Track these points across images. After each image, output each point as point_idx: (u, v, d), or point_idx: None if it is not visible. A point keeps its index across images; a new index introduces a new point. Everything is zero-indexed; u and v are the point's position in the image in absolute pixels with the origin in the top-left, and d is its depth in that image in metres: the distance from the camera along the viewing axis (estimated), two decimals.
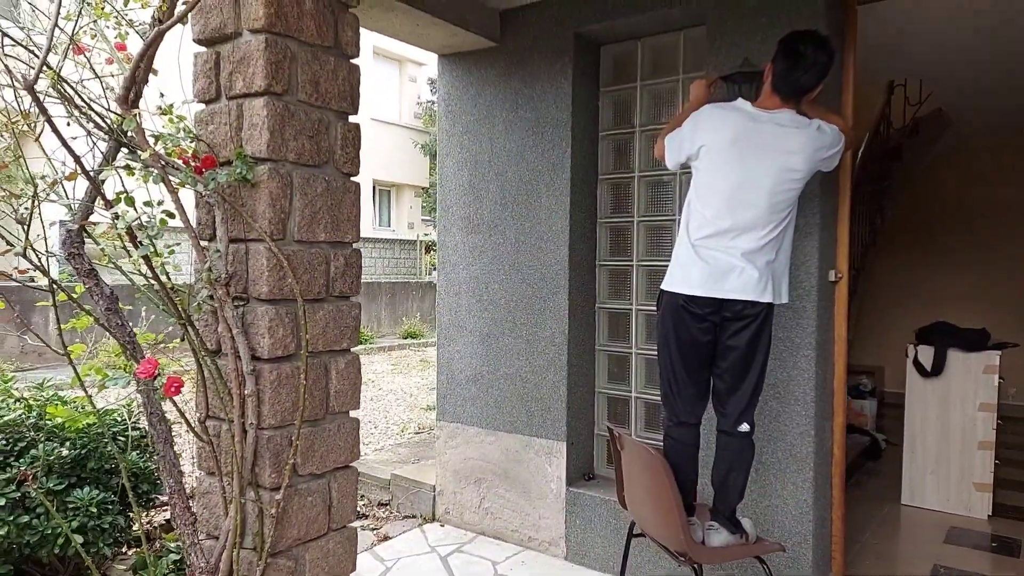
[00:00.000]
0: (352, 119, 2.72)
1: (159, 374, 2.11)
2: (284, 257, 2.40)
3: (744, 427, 2.31)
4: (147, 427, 2.46)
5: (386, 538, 3.50)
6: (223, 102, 2.46)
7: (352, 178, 2.73)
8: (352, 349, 2.76)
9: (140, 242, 2.24)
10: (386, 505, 3.97)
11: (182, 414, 2.40)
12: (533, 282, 3.44)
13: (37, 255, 2.18)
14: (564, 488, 3.29)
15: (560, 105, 3.36)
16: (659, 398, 3.29)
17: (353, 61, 2.69)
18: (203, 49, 2.50)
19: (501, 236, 3.57)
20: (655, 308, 2.51)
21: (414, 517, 3.78)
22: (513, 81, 3.54)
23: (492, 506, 3.54)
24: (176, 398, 2.19)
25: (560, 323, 3.33)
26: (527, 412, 3.43)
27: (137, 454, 2.94)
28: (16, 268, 2.26)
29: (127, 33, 2.85)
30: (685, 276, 2.34)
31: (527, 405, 3.44)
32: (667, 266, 2.50)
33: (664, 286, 2.42)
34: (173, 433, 2.46)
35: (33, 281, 2.63)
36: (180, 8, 2.25)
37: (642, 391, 3.35)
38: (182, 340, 2.39)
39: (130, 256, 2.35)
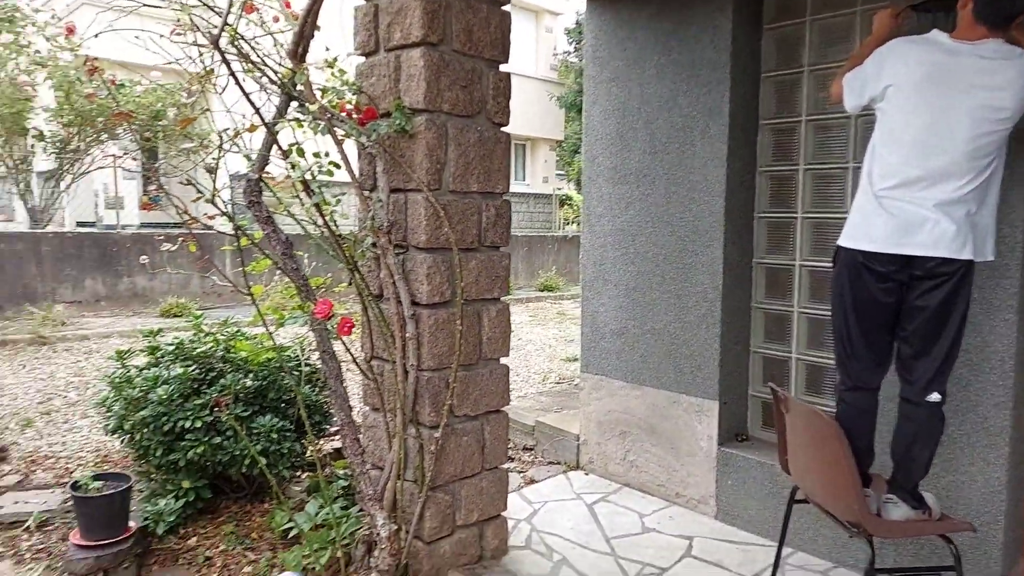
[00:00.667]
0: (502, 68, 2.72)
1: (333, 315, 2.26)
2: (440, 207, 2.47)
3: (934, 396, 2.08)
4: (319, 364, 2.65)
5: (532, 481, 3.60)
6: (381, 54, 2.53)
7: (502, 128, 2.74)
8: (502, 298, 2.81)
9: (312, 191, 2.38)
10: (531, 450, 4.07)
11: (350, 353, 2.56)
12: (684, 235, 3.30)
13: (223, 202, 2.37)
14: (715, 447, 3.19)
15: (718, 45, 3.14)
16: (823, 361, 3.08)
17: (503, 8, 2.66)
18: (363, 2, 2.57)
19: (650, 187, 3.44)
20: (830, 264, 2.31)
21: (558, 464, 3.84)
22: (665, 22, 3.35)
23: (637, 459, 3.52)
24: (344, 338, 2.33)
25: (713, 278, 3.18)
26: (675, 368, 3.35)
27: (309, 388, 3.20)
28: (206, 214, 2.48)
29: None
30: (867, 230, 2.12)
31: (675, 361, 3.35)
32: (836, 219, 2.28)
33: (841, 241, 2.21)
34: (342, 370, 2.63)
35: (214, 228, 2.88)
36: None
37: (804, 352, 3.15)
38: (349, 284, 2.54)
39: (302, 204, 2.51)
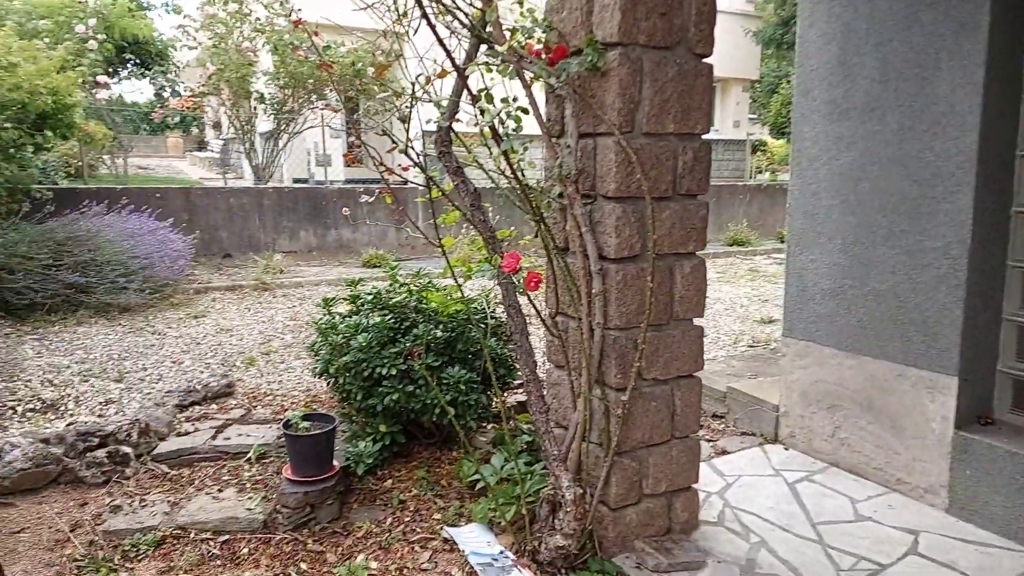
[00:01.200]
0: None
1: (519, 269, 2.16)
2: (632, 151, 2.26)
3: None
4: (504, 317, 2.60)
5: (724, 452, 3.34)
6: None
7: (704, 59, 2.43)
8: (697, 253, 2.56)
9: (500, 139, 2.28)
10: (721, 418, 3.79)
11: (535, 307, 2.47)
12: (922, 178, 2.78)
13: (416, 153, 2.35)
14: (950, 430, 2.72)
15: None
16: None
17: None
18: None
19: (879, 122, 2.94)
20: None
21: (752, 435, 3.54)
22: None
23: (849, 437, 3.12)
24: (530, 292, 2.24)
25: (957, 230, 2.66)
26: (902, 336, 2.88)
27: (495, 341, 3.19)
28: (400, 165, 2.47)
29: None
30: None
31: (902, 328, 2.88)
32: None
33: None
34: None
35: (408, 181, 2.90)
36: None
37: None
38: (535, 236, 2.43)
39: (491, 154, 2.42)
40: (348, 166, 15.33)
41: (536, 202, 2.39)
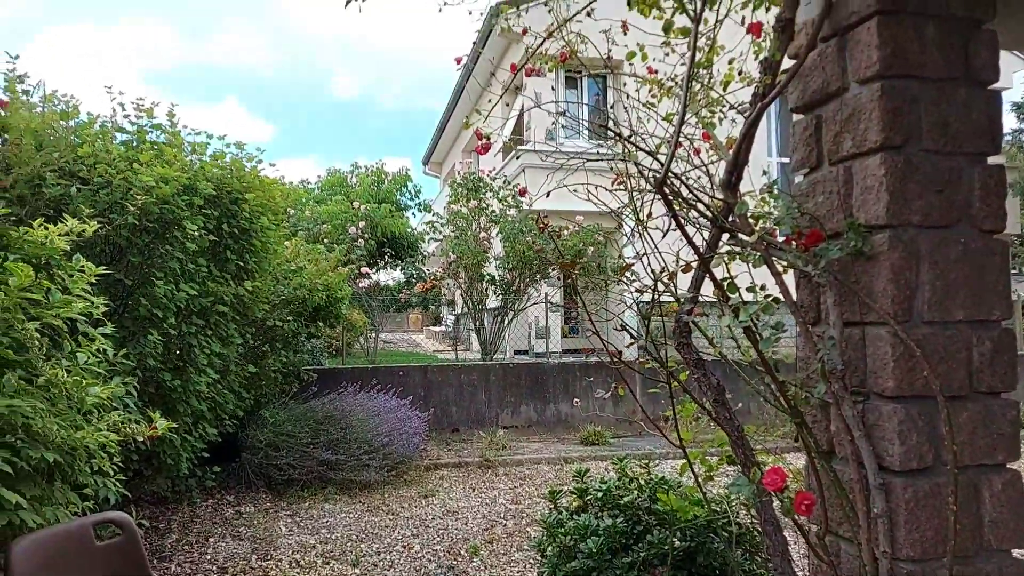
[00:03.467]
0: (991, 160, 2.12)
1: (786, 486, 1.87)
2: (913, 343, 1.93)
3: None
4: (752, 524, 2.25)
5: None
6: (825, 169, 2.19)
7: (995, 235, 2.09)
8: (1009, 464, 2.05)
9: (754, 330, 2.09)
10: None
11: (800, 528, 2.10)
12: None
13: (655, 346, 2.24)
14: None
15: None
16: None
17: (990, 88, 2.10)
18: (801, 117, 2.30)
19: None
20: None
21: None
22: None
23: None
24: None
25: None
26: None
27: (740, 553, 2.78)
28: (618, 328, 2.37)
29: (714, 124, 2.91)
30: None
31: None
32: None
33: None
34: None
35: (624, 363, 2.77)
36: (782, 78, 2.11)
37: None
38: (796, 440, 2.12)
39: (731, 334, 2.23)
40: (565, 337, 15.81)
41: (795, 399, 2.12)
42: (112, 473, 3.05)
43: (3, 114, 3.79)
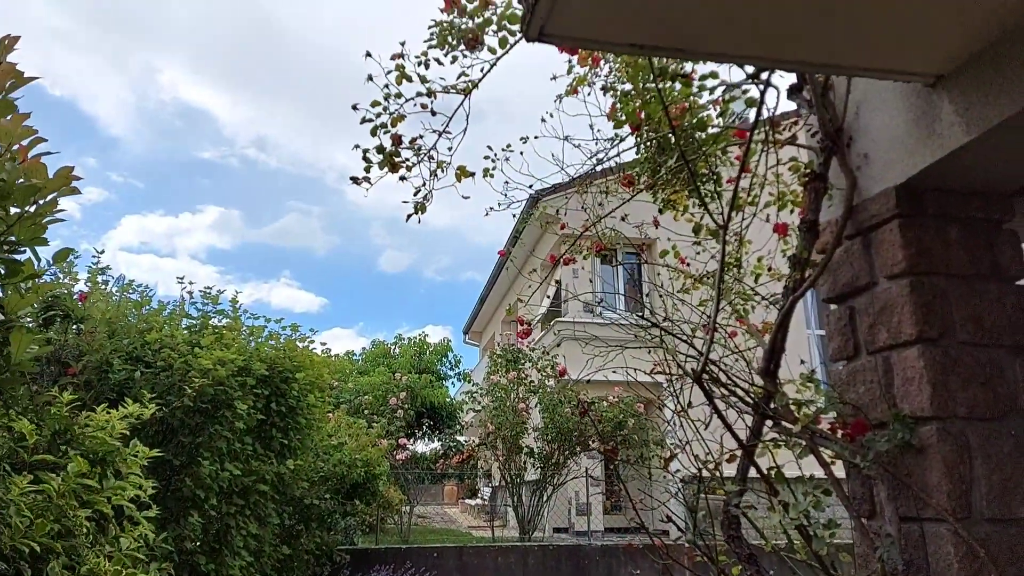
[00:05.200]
0: None
1: None
2: (976, 543, 1.84)
3: None
4: None
5: None
6: (863, 358, 2.22)
7: None
8: None
9: (807, 532, 2.03)
10: None
11: None
12: None
13: (704, 540, 2.17)
14: None
15: None
16: None
17: (1021, 283, 2.17)
18: (834, 306, 2.38)
19: None
20: None
21: None
22: None
23: None
24: None
25: None
26: None
27: None
28: (662, 521, 2.29)
29: (747, 310, 3.01)
30: None
31: None
32: None
33: None
34: None
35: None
36: (811, 271, 2.22)
37: None
38: None
39: (790, 539, 2.16)
40: (607, 513, 15.02)
41: None
42: None
43: (82, 306, 4.13)
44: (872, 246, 2.21)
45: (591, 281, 12.50)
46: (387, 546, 9.78)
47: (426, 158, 2.48)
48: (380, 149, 2.38)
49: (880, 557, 1.93)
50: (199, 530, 4.26)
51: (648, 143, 2.67)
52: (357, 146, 2.35)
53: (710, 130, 2.48)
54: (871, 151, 2.24)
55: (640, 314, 2.66)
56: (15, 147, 2.10)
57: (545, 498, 12.60)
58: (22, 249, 2.12)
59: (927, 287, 2.04)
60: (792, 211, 2.58)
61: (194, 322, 4.96)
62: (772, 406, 2.25)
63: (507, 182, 2.91)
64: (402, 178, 2.47)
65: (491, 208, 2.87)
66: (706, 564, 2.40)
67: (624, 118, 2.46)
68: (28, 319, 2.26)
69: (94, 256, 4.71)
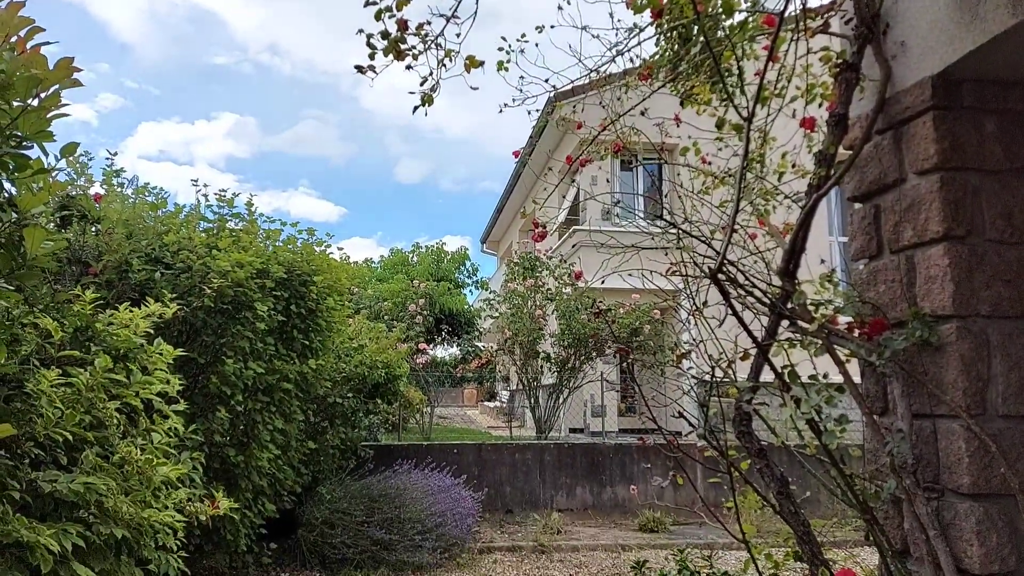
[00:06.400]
0: None
1: None
2: (988, 438, 1.85)
3: None
4: None
5: None
6: (886, 257, 2.17)
7: None
8: None
9: (817, 425, 2.05)
10: None
11: None
12: None
13: (714, 435, 2.21)
14: None
15: None
16: None
17: None
18: (858, 205, 2.31)
19: None
20: None
21: None
22: None
23: None
24: None
25: None
26: None
27: None
28: (677, 414, 2.34)
29: (768, 211, 2.93)
30: None
31: None
32: None
33: None
34: None
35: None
36: (837, 168, 2.14)
37: None
38: (867, 536, 2.03)
39: (801, 435, 2.19)
40: (621, 415, 15.47)
41: (863, 494, 2.04)
42: (175, 549, 3.12)
43: (98, 207, 4.14)
44: (903, 140, 2.11)
45: (608, 181, 12.29)
46: (409, 443, 10.19)
47: (433, 46, 2.36)
48: (384, 35, 2.26)
49: (890, 451, 1.95)
50: (227, 424, 4.44)
51: (669, 33, 2.52)
52: (361, 31, 2.23)
53: (736, 16, 2.33)
54: (908, 38, 2.10)
55: (658, 214, 2.60)
56: (12, 38, 2.03)
57: (561, 400, 12.95)
58: (29, 145, 2.09)
59: (958, 183, 1.96)
60: (820, 105, 2.46)
61: (211, 225, 4.98)
62: (789, 306, 2.22)
63: (522, 77, 2.79)
64: (408, 67, 2.37)
65: (505, 104, 2.77)
66: (716, 460, 2.46)
67: (645, 2, 2.31)
68: (43, 218, 2.27)
69: (107, 158, 4.69)
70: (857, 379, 2.20)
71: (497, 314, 13.22)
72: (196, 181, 5.10)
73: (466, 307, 18.95)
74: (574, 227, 14.16)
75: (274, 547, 6.14)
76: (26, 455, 2.47)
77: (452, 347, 21.08)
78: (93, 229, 4.12)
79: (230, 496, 4.03)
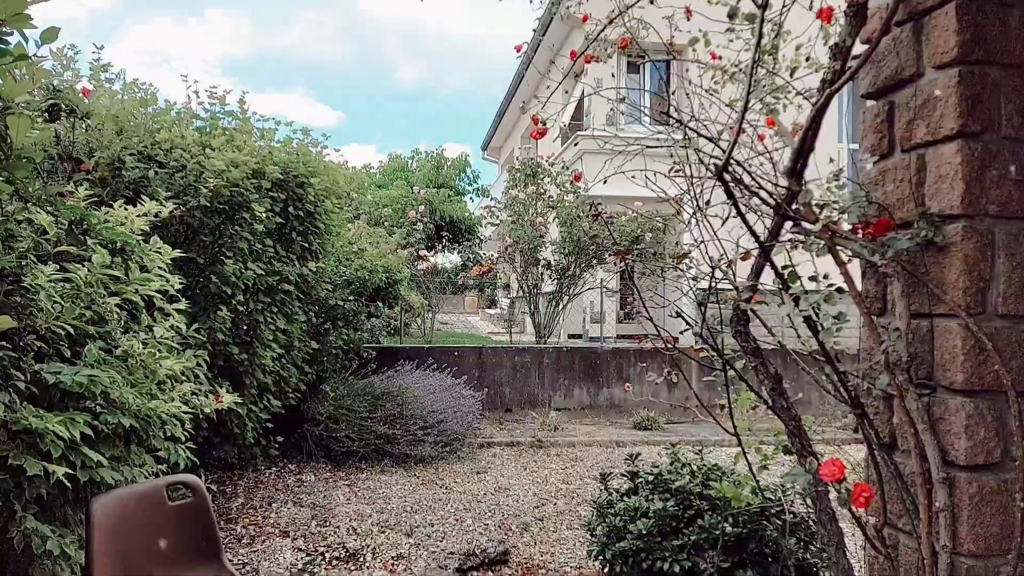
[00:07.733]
0: None
1: (844, 478, 1.85)
2: (985, 336, 1.87)
3: None
4: (806, 512, 2.23)
5: None
6: (897, 156, 2.12)
7: None
8: None
9: (815, 319, 2.06)
10: None
11: (857, 520, 2.07)
12: None
13: (711, 335, 2.23)
14: None
15: None
16: None
17: None
18: (872, 103, 2.23)
19: None
20: None
21: None
22: None
23: None
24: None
25: None
26: None
27: (794, 541, 2.75)
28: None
29: (778, 110, 2.84)
30: None
31: None
32: None
33: None
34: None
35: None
36: (852, 64, 2.05)
37: None
38: (856, 431, 2.09)
39: (799, 335, 2.21)
40: (620, 322, 15.72)
41: (855, 391, 2.08)
42: (183, 440, 3.24)
43: (87, 101, 4.02)
44: (923, 33, 2.01)
45: (613, 76, 11.88)
46: (411, 345, 10.39)
47: None
48: None
49: (885, 350, 1.97)
50: (229, 323, 4.51)
51: None
52: None
53: None
54: None
55: (664, 112, 2.52)
56: None
57: (561, 307, 13.11)
58: (9, 31, 2.00)
59: (977, 77, 1.88)
60: None
61: (203, 123, 4.86)
62: (795, 207, 2.19)
63: None
64: None
65: None
66: (711, 360, 2.50)
67: None
68: (26, 107, 2.19)
69: (94, 52, 4.50)
70: (858, 283, 2.20)
71: (498, 221, 13.15)
72: (186, 77, 4.92)
73: (467, 215, 18.85)
74: (578, 133, 13.84)
75: (281, 440, 6.38)
76: (29, 348, 2.51)
77: (453, 254, 21.13)
78: (83, 125, 4.02)
79: (235, 392, 4.14)
